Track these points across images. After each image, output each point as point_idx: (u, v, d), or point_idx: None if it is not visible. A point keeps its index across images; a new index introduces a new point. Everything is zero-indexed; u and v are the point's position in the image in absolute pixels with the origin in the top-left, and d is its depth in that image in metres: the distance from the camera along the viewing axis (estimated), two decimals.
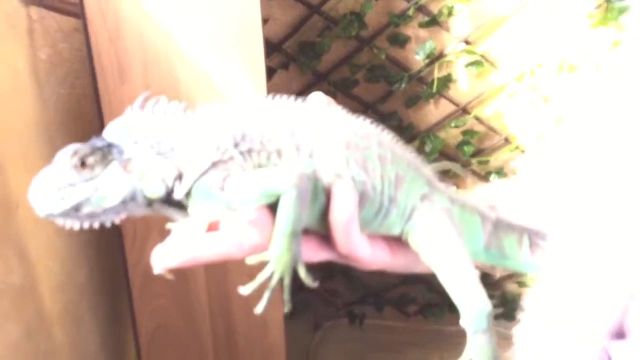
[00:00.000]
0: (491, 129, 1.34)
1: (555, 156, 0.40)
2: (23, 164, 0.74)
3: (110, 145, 0.37)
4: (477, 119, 1.33)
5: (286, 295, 0.37)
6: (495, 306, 0.40)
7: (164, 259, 0.36)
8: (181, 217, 0.38)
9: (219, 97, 0.88)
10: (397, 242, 0.42)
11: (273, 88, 1.18)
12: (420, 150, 1.36)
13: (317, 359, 1.50)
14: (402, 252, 0.42)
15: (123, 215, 0.37)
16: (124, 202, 0.36)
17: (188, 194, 0.37)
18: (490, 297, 0.40)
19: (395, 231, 0.41)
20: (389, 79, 1.31)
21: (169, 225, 0.40)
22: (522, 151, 1.33)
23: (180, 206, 0.38)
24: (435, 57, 1.28)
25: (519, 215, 0.43)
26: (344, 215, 0.37)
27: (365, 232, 0.40)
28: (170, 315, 0.89)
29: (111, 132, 0.37)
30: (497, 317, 0.40)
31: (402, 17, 1.25)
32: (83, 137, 0.39)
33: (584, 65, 1.23)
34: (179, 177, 0.37)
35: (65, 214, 0.36)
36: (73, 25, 0.93)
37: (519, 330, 0.35)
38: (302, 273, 0.37)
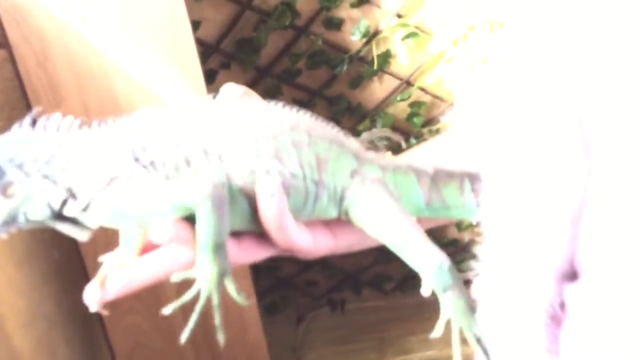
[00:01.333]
0: (436, 97, 1.36)
1: (479, 105, 0.39)
2: None
3: None
4: (421, 89, 1.35)
5: (217, 320, 0.35)
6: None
7: (96, 293, 0.36)
8: (78, 230, 0.37)
9: (161, 105, 0.87)
10: (338, 223, 0.41)
11: (216, 89, 1.16)
12: (372, 128, 1.37)
13: (304, 351, 1.50)
14: (344, 233, 0.42)
15: (4, 233, 0.36)
16: (4, 224, 0.35)
17: (86, 211, 0.35)
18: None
19: (333, 214, 0.40)
20: (330, 63, 1.32)
21: (100, 259, 0.39)
22: None
23: (76, 221, 0.36)
24: (371, 35, 1.29)
25: (457, 167, 0.43)
26: (272, 211, 0.36)
27: (300, 221, 0.38)
28: (144, 330, 0.88)
29: None
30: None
31: (333, 0, 1.25)
32: None
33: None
34: (72, 196, 0.35)
35: None
36: (1, 56, 0.90)
37: (477, 284, 0.35)
38: (232, 290, 0.35)
